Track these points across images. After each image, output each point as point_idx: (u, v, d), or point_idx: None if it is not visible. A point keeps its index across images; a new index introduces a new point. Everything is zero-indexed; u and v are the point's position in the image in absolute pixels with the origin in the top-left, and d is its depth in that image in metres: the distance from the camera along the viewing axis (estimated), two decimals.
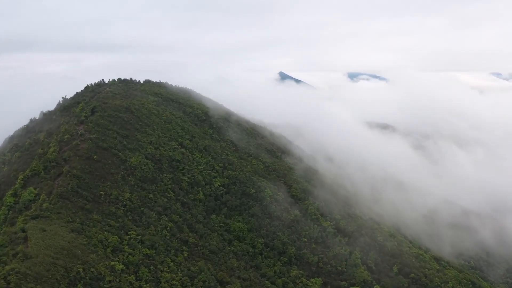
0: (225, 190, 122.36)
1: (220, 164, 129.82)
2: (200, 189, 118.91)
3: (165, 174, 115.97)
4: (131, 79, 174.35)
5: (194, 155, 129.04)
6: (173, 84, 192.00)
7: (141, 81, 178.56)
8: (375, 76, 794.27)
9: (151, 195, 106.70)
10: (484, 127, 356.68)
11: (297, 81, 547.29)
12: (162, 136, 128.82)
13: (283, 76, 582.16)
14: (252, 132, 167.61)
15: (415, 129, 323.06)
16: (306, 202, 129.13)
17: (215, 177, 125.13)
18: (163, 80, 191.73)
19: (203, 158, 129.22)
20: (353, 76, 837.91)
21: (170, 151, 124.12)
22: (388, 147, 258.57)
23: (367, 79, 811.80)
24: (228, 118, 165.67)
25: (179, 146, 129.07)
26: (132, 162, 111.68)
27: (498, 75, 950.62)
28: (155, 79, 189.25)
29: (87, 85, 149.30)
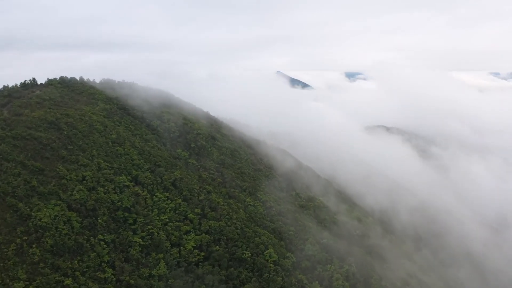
0: (203, 254, 76.53)
1: (196, 210, 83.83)
2: (161, 256, 73.08)
3: (100, 236, 69.78)
4: (81, 78, 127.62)
5: (156, 196, 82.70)
6: (143, 85, 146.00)
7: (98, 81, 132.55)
8: (372, 76, 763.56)
9: (68, 281, 60.62)
10: (488, 129, 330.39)
11: (295, 80, 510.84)
12: (105, 167, 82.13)
13: (281, 76, 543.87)
14: (246, 152, 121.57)
15: (416, 131, 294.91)
16: (330, 267, 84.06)
17: (188, 232, 79.16)
18: (157, 81, 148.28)
19: (169, 201, 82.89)
20: (350, 76, 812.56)
21: (114, 193, 77.64)
22: (396, 156, 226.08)
23: (365, 79, 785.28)
24: (213, 134, 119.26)
25: (132, 183, 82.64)
26: (41, 219, 65.36)
27: (496, 74, 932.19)
28: (150, 79, 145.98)
29: (3, 86, 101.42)
